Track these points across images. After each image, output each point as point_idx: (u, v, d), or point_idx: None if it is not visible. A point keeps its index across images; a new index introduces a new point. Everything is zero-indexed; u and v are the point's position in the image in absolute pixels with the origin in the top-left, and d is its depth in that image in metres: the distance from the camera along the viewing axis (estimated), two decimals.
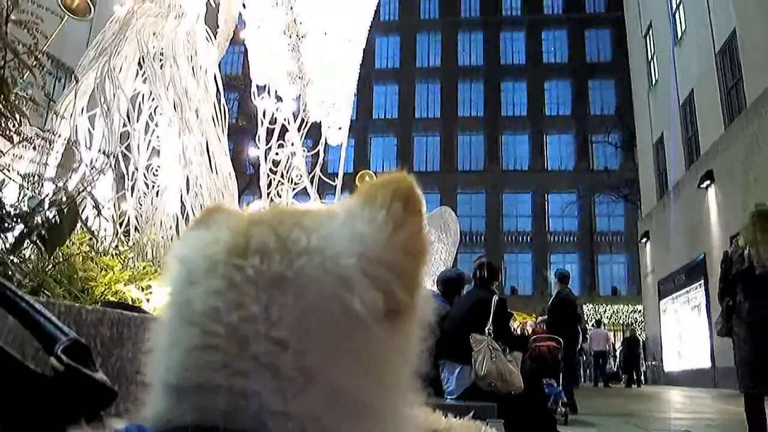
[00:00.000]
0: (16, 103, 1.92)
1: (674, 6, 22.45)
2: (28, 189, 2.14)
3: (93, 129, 4.02)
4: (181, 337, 0.55)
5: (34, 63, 2.01)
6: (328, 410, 0.52)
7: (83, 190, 2.36)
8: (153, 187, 4.12)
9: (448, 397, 5.57)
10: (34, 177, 2.20)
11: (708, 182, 18.00)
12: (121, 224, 3.78)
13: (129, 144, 4.01)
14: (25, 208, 1.99)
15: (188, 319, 0.54)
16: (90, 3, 5.75)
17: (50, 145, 2.50)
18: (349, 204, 0.58)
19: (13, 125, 1.89)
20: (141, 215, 4.00)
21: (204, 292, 0.54)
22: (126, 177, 3.98)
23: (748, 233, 5.29)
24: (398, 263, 0.55)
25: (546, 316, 10.76)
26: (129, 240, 3.70)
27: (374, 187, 0.58)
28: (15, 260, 1.88)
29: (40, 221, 1.94)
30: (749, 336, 5.21)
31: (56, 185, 2.17)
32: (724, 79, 17.94)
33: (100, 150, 3.38)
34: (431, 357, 0.61)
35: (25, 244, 1.97)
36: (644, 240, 26.16)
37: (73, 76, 2.38)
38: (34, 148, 2.22)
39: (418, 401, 0.61)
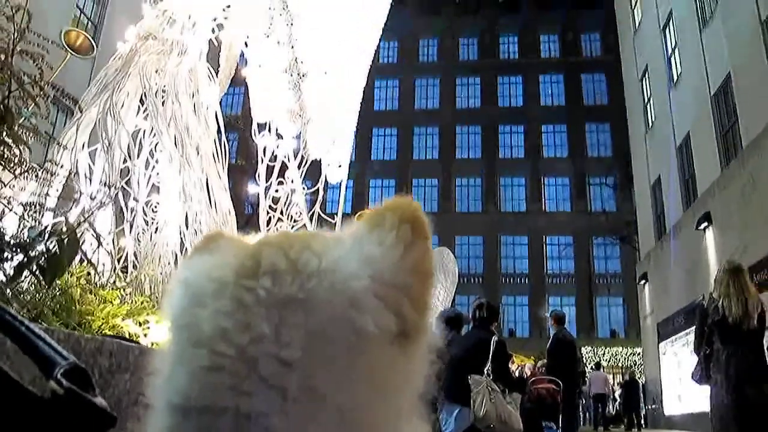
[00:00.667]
0: (20, 133, 1.92)
1: (670, 49, 22.74)
2: (28, 219, 2.12)
3: (93, 164, 4.03)
4: (188, 359, 0.54)
5: (39, 93, 2.01)
6: None
7: (84, 221, 2.35)
8: (152, 222, 4.11)
9: None
10: (34, 207, 2.18)
11: (706, 224, 17.99)
12: (119, 260, 3.76)
13: (129, 179, 4.01)
14: (25, 239, 1.98)
15: (195, 340, 0.53)
16: (93, 42, 5.81)
17: (52, 176, 2.49)
18: (356, 228, 0.58)
19: (14, 156, 1.89)
20: (140, 251, 3.99)
21: (212, 314, 0.53)
22: (125, 212, 3.97)
23: (722, 287, 5.68)
24: (409, 285, 0.54)
25: (546, 359, 10.56)
26: (127, 275, 3.68)
27: (381, 211, 0.58)
28: (13, 291, 1.86)
29: (39, 251, 1.92)
30: (726, 383, 5.52)
31: (57, 215, 2.16)
32: (720, 121, 18.06)
33: (101, 182, 3.37)
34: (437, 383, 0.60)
35: (24, 275, 1.95)
36: (643, 282, 26.03)
37: (77, 106, 2.38)
38: (36, 176, 2.21)
39: (424, 426, 0.59)
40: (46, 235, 1.98)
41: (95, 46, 5.89)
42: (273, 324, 0.52)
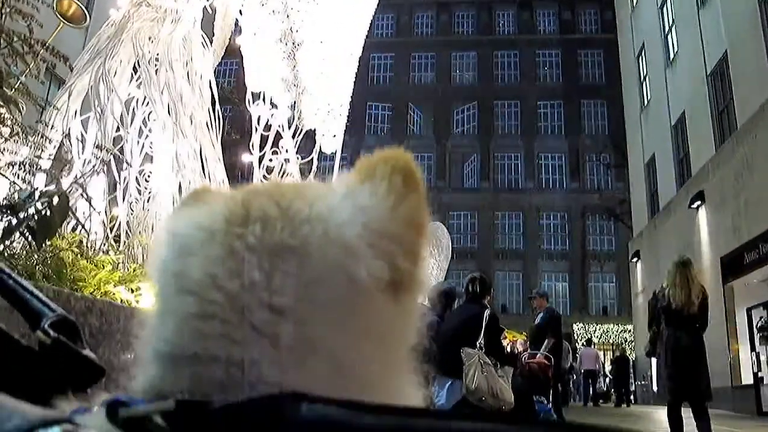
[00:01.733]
0: (10, 94, 1.88)
1: (666, 28, 22.64)
2: (19, 181, 2.10)
3: (86, 132, 3.99)
4: (176, 306, 0.52)
5: (28, 51, 1.97)
6: (328, 383, 0.50)
7: (75, 182, 2.32)
8: (145, 191, 4.09)
9: None
10: (25, 169, 2.16)
11: (699, 203, 18.05)
12: (112, 228, 3.74)
13: (122, 147, 3.98)
14: (16, 200, 1.95)
15: (184, 287, 0.52)
16: (85, 11, 5.73)
17: (44, 139, 2.46)
18: (348, 179, 0.56)
19: (2, 117, 1.86)
20: (133, 219, 3.96)
21: (202, 261, 0.52)
22: (118, 181, 3.94)
23: (670, 277, 6.75)
24: (402, 235, 0.53)
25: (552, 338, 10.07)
26: (120, 244, 3.66)
27: (373, 162, 0.56)
28: (2, 253, 1.84)
29: (30, 213, 1.90)
30: (667, 357, 6.71)
31: (49, 176, 2.13)
32: (715, 100, 18.05)
33: (95, 144, 3.34)
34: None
35: (14, 237, 1.93)
36: (635, 260, 26.17)
37: (67, 64, 2.34)
38: (26, 138, 2.18)
39: (418, 380, 0.59)
40: (37, 197, 1.95)
41: (88, 15, 5.80)
42: (264, 271, 0.51)
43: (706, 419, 6.52)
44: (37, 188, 2.07)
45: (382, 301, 0.52)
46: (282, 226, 0.52)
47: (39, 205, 1.88)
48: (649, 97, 25.03)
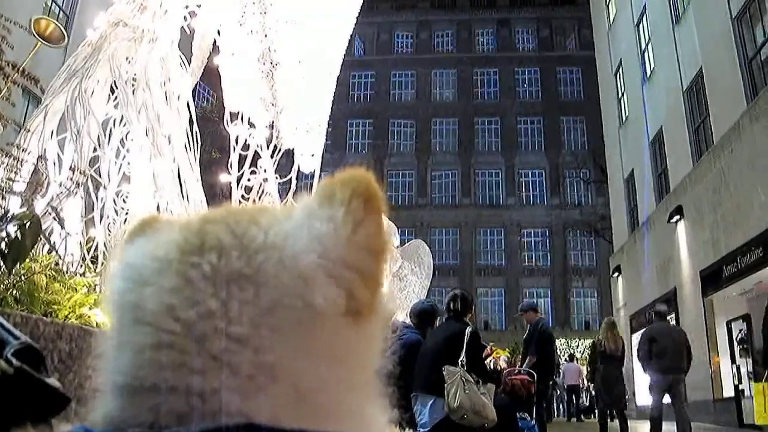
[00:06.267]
0: None
1: (643, 45, 22.92)
2: None
3: (62, 153, 3.95)
4: (133, 337, 0.51)
5: None
6: (291, 410, 0.49)
7: (48, 205, 2.30)
8: (122, 212, 4.04)
9: (421, 430, 5.50)
10: None
11: (677, 217, 18.19)
12: (89, 250, 3.69)
13: (99, 168, 3.93)
14: None
15: (140, 318, 0.51)
16: (64, 31, 5.70)
17: (18, 161, 2.42)
18: (307, 203, 0.55)
19: None
20: (110, 241, 3.91)
21: (156, 291, 0.51)
22: (95, 202, 3.89)
23: (603, 332, 10.84)
24: (359, 263, 0.52)
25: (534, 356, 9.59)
26: (96, 266, 3.61)
27: (333, 184, 0.55)
28: None
29: (1, 236, 1.87)
30: (600, 385, 10.97)
31: (22, 199, 2.10)
32: (692, 116, 18.26)
33: (71, 167, 3.30)
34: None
35: None
36: (616, 274, 26.27)
37: (38, 85, 2.32)
38: None
39: (383, 403, 0.58)
40: (8, 220, 1.92)
41: (66, 35, 5.76)
42: (221, 300, 0.50)
43: (624, 417, 10.80)
44: (8, 211, 2.04)
45: (341, 326, 0.52)
46: (238, 254, 0.52)
47: (11, 228, 1.85)
48: (627, 113, 25.28)
